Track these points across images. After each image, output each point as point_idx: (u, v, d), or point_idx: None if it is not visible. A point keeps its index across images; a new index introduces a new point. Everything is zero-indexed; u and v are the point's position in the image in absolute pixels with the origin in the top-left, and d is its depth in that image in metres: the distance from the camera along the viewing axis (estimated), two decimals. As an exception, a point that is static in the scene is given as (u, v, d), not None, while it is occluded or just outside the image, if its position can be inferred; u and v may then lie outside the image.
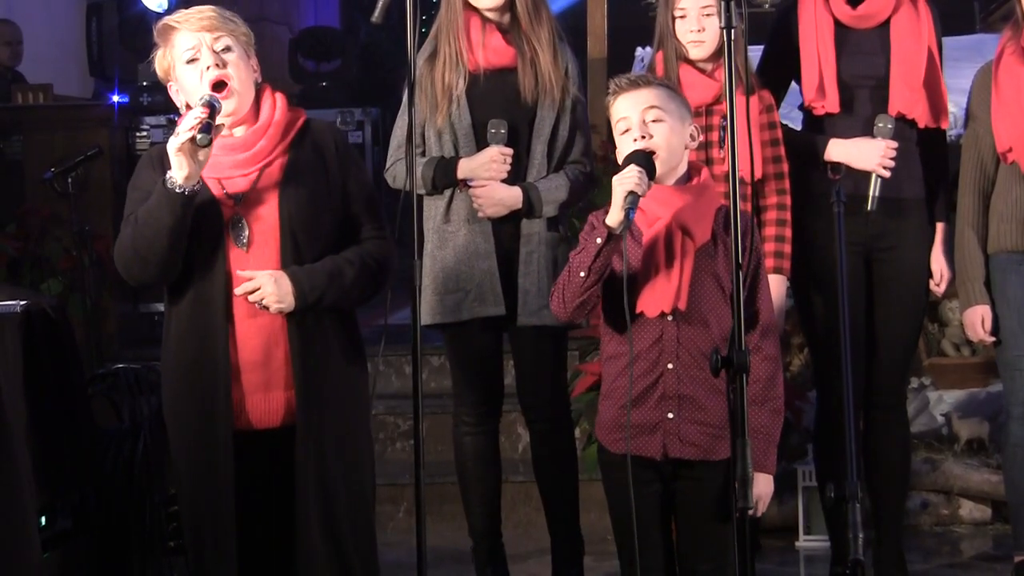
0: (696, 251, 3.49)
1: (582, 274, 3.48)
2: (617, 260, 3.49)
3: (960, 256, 4.61)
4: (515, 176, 4.43)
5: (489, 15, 4.46)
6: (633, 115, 3.53)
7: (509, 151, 4.39)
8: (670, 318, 3.50)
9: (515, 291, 4.43)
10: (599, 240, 3.44)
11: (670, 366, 3.50)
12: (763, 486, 3.50)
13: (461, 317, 4.46)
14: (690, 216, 3.49)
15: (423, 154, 4.50)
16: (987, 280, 4.58)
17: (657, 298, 3.49)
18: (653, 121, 3.53)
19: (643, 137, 3.51)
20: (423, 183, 4.45)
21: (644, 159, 3.44)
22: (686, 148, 3.57)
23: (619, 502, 3.59)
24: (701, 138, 4.34)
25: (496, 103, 4.44)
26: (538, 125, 4.46)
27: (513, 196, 4.41)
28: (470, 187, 4.41)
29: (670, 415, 3.50)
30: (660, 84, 3.62)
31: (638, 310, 3.50)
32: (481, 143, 4.43)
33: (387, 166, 4.55)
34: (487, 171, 4.39)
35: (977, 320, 4.56)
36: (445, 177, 4.44)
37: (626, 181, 3.39)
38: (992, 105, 4.51)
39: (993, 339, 4.57)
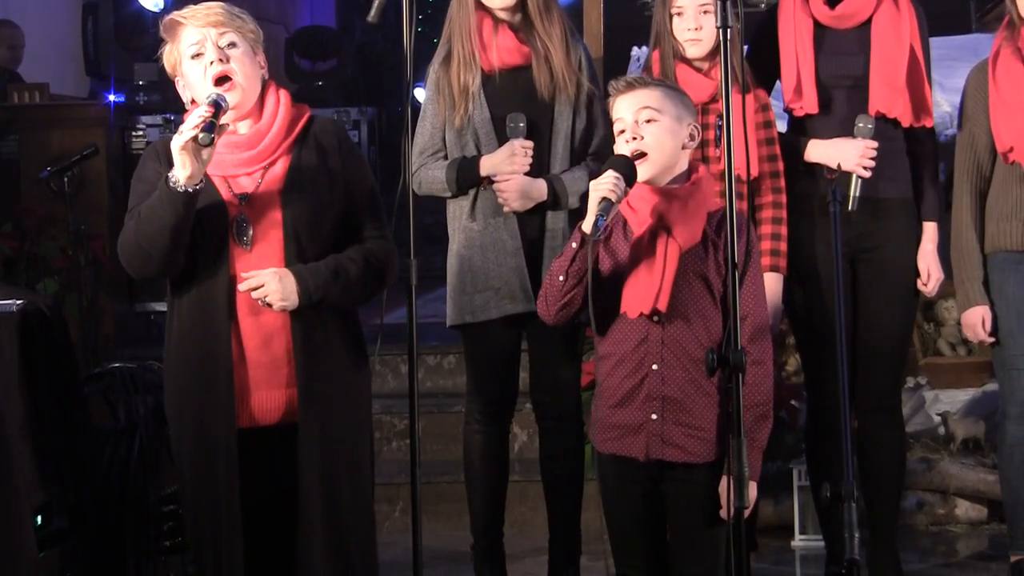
0: (684, 253, 3.49)
1: (561, 278, 3.50)
2: (605, 261, 3.51)
3: (957, 256, 4.60)
4: (538, 172, 4.44)
5: (501, 15, 4.47)
6: (627, 116, 3.54)
7: (530, 143, 4.40)
8: (655, 319, 3.50)
9: (539, 286, 4.43)
10: (574, 244, 3.46)
11: (655, 367, 3.50)
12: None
13: (491, 316, 4.46)
14: (676, 217, 3.49)
15: (444, 158, 4.51)
16: (984, 280, 4.58)
17: (638, 299, 3.49)
18: (646, 121, 3.53)
19: (634, 138, 3.51)
20: (447, 185, 4.47)
21: (624, 164, 3.45)
22: (684, 148, 3.57)
23: (608, 501, 3.62)
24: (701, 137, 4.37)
25: (514, 99, 4.46)
26: (556, 121, 4.47)
27: (538, 188, 4.43)
28: (494, 182, 4.41)
29: (654, 416, 3.50)
30: (658, 84, 3.62)
31: (621, 310, 3.52)
32: (502, 138, 4.44)
33: (412, 172, 4.52)
34: (509, 165, 4.40)
35: (977, 321, 4.55)
36: (468, 176, 4.45)
37: (600, 187, 3.40)
38: (991, 105, 4.50)
39: (993, 340, 4.57)
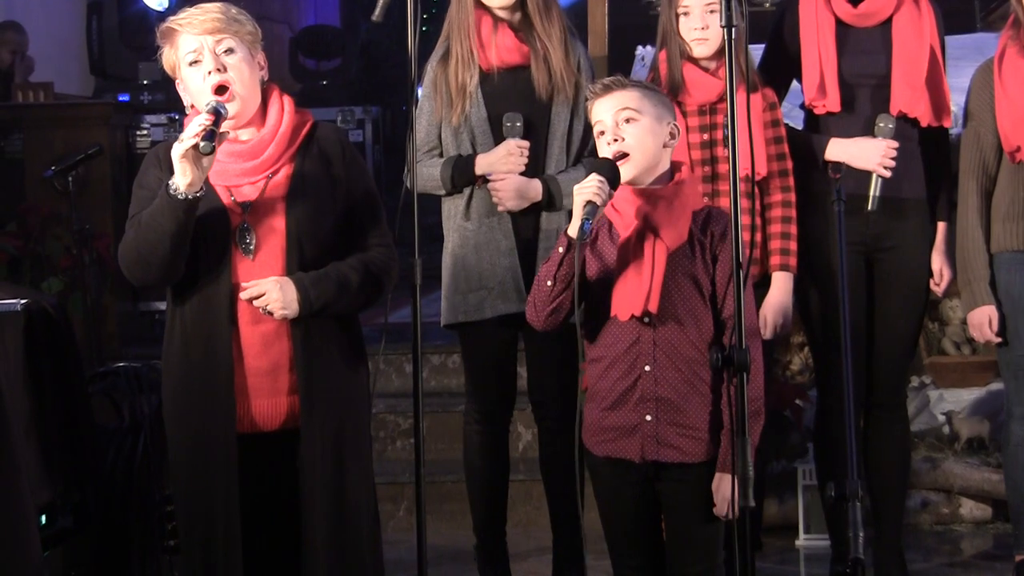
0: (672, 253, 3.48)
1: (548, 283, 3.48)
2: (592, 265, 3.50)
3: (963, 256, 4.59)
4: (533, 172, 4.44)
5: (500, 14, 4.47)
6: (607, 118, 3.53)
7: (526, 143, 4.40)
8: (646, 320, 3.49)
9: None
10: (561, 249, 3.44)
11: (647, 368, 3.49)
12: None
13: (484, 315, 4.46)
14: (662, 217, 3.48)
15: (440, 155, 4.51)
16: (990, 280, 4.57)
17: (628, 301, 3.47)
18: (626, 121, 3.52)
19: (616, 140, 3.51)
20: (442, 183, 4.47)
21: (608, 168, 3.44)
22: (665, 147, 3.56)
23: (604, 503, 3.61)
24: (704, 136, 4.36)
25: (511, 99, 4.46)
26: (554, 121, 4.47)
27: (533, 188, 4.43)
28: (489, 181, 4.41)
29: (648, 418, 3.49)
30: (635, 85, 3.60)
31: (611, 313, 3.50)
32: (498, 138, 4.44)
33: (406, 172, 4.51)
34: (505, 164, 4.40)
35: (984, 321, 4.54)
36: (463, 174, 4.45)
37: (585, 191, 3.39)
38: (997, 104, 4.49)
39: (1000, 340, 4.56)
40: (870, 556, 4.55)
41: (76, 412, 4.20)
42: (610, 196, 3.41)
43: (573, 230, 3.40)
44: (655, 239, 3.48)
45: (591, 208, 3.37)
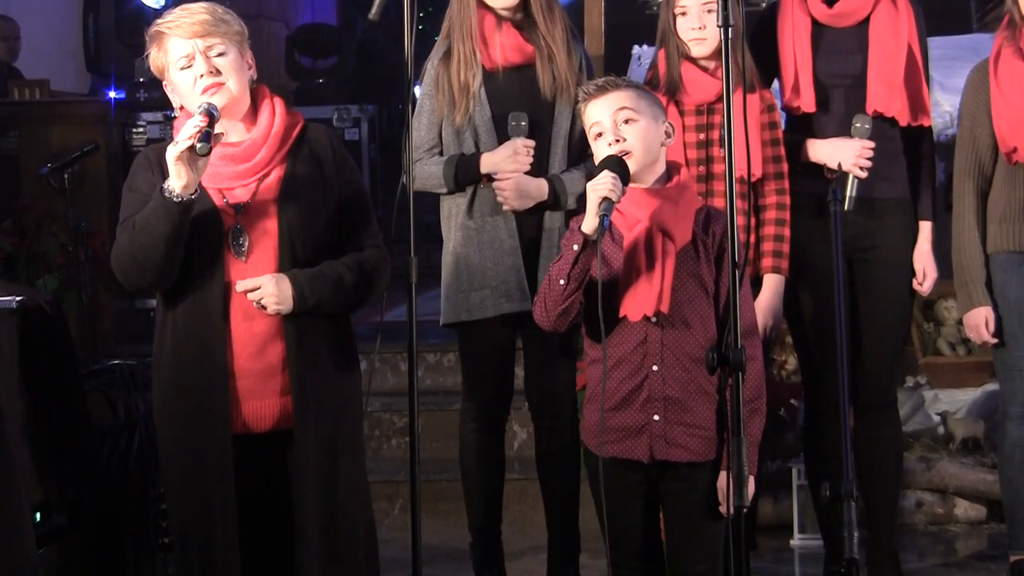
0: (677, 253, 3.49)
1: (562, 282, 3.47)
2: (595, 266, 3.50)
3: (959, 256, 4.59)
4: (537, 171, 4.43)
5: (503, 13, 4.46)
6: (605, 119, 3.53)
7: (531, 143, 4.40)
8: (654, 320, 3.49)
9: (535, 286, 4.43)
10: (575, 247, 3.43)
11: (655, 368, 3.49)
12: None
13: (487, 314, 4.46)
14: (669, 217, 3.49)
15: (440, 154, 4.51)
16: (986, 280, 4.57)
17: (639, 301, 3.48)
18: (625, 122, 3.52)
19: (617, 140, 3.51)
20: (444, 182, 4.46)
21: (617, 164, 3.44)
22: (662, 145, 3.56)
23: (607, 504, 3.59)
24: (700, 136, 4.37)
25: (515, 98, 4.45)
26: (557, 121, 4.47)
27: (539, 188, 4.42)
28: (495, 180, 4.41)
29: (656, 417, 3.49)
30: (629, 85, 3.61)
31: (621, 314, 3.50)
32: (503, 137, 4.43)
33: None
34: (511, 163, 4.39)
35: (980, 322, 4.54)
36: (467, 173, 4.44)
37: (599, 187, 3.38)
38: (993, 105, 4.49)
39: (996, 341, 4.57)
40: (864, 556, 4.56)
41: (71, 410, 4.20)
42: (623, 192, 3.41)
43: (589, 227, 3.39)
44: (663, 239, 3.48)
45: (607, 204, 3.36)
